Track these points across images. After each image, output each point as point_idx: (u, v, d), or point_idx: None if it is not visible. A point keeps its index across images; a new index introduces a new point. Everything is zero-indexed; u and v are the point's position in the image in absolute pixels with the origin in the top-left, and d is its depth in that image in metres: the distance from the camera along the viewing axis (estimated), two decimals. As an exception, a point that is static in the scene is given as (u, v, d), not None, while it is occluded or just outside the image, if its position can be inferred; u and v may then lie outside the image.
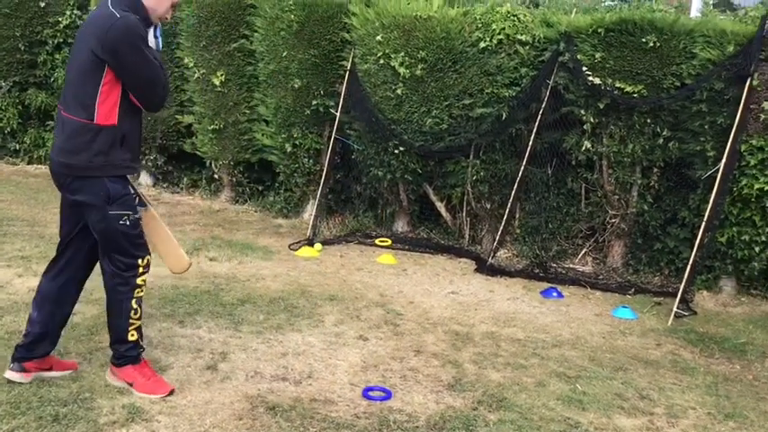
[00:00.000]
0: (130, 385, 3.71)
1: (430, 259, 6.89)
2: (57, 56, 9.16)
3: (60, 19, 9.09)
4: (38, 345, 3.73)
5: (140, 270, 3.66)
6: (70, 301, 3.81)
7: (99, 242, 3.62)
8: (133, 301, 3.66)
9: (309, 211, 7.74)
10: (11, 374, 3.70)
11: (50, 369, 3.80)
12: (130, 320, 3.68)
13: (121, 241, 3.58)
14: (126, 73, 3.43)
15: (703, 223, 5.78)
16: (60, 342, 4.15)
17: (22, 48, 9.14)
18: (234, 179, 8.32)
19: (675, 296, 5.79)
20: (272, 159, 7.88)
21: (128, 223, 3.57)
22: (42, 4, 9.02)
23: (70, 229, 3.73)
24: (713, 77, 5.82)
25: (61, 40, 9.15)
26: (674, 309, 5.66)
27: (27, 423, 3.35)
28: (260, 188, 8.35)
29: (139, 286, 3.68)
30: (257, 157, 8.05)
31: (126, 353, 3.73)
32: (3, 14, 8.90)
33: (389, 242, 7.17)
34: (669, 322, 5.57)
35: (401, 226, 7.57)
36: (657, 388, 4.37)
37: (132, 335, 3.71)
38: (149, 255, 3.74)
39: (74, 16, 9.09)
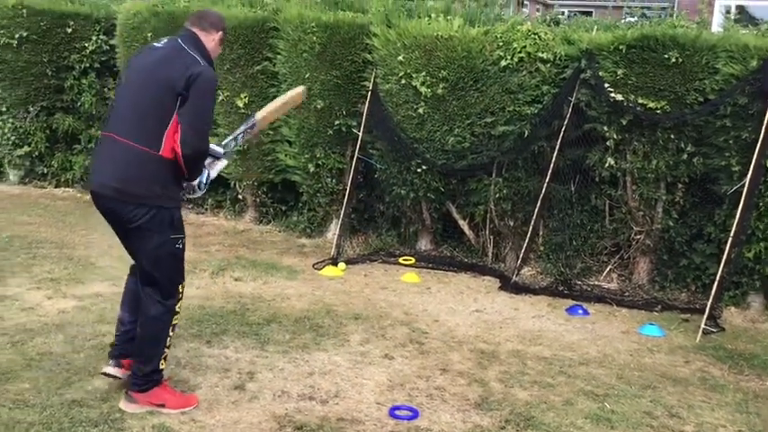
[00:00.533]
0: (161, 406, 3.74)
1: (454, 277, 6.88)
2: (83, 81, 9.29)
3: (87, 44, 9.23)
4: (132, 339, 3.87)
5: (180, 296, 3.80)
6: None
7: (148, 269, 3.71)
8: (170, 328, 3.77)
9: (333, 230, 7.78)
10: (109, 369, 3.88)
11: None
12: (165, 348, 3.77)
13: (173, 265, 3.74)
14: (190, 105, 3.57)
15: (730, 239, 5.73)
16: (90, 362, 4.23)
17: (50, 73, 9.29)
18: (258, 200, 8.38)
19: (703, 313, 5.73)
20: (295, 179, 7.93)
21: (180, 246, 3.76)
22: (69, 30, 9.18)
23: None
24: (737, 92, 5.80)
25: (88, 65, 9.28)
26: (702, 325, 5.61)
27: (59, 443, 3.39)
28: (283, 208, 8.40)
29: (177, 313, 3.80)
30: (280, 177, 8.11)
31: (153, 376, 3.78)
32: (31, 41, 9.06)
33: (413, 261, 7.18)
34: (697, 339, 5.52)
35: (424, 244, 7.58)
36: (687, 406, 4.33)
37: (163, 362, 3.79)
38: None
39: (100, 41, 9.22)
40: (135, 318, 3.86)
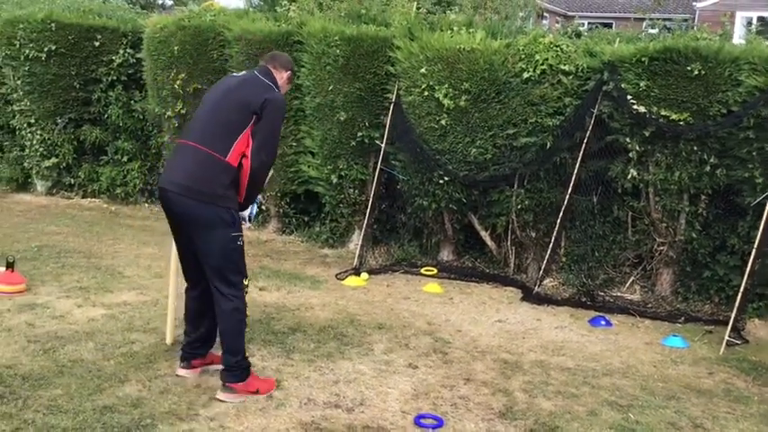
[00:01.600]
0: (255, 393, 4.07)
1: (476, 288, 6.91)
2: (110, 93, 9.43)
3: (114, 58, 9.37)
4: (199, 347, 4.36)
5: (246, 290, 4.14)
6: (211, 305, 4.19)
7: (215, 266, 4.03)
8: (246, 318, 4.12)
9: (355, 241, 7.84)
10: (182, 372, 4.31)
11: (212, 363, 4.36)
12: (244, 336, 4.12)
13: (236, 258, 4.06)
14: (264, 126, 4.05)
15: (753, 250, 5.72)
16: (121, 369, 4.31)
17: (77, 86, 9.45)
18: (281, 210, 8.47)
19: (726, 324, 5.72)
20: (317, 190, 8.01)
21: (241, 243, 4.10)
22: (97, 44, 9.34)
23: (189, 253, 4.19)
24: (760, 104, 5.80)
25: (114, 78, 9.42)
26: (726, 337, 5.60)
27: (92, 448, 3.46)
28: (306, 219, 8.48)
29: (246, 305, 4.13)
30: (303, 188, 8.19)
31: (243, 363, 4.10)
32: (59, 54, 9.23)
33: (435, 271, 7.22)
34: (721, 351, 5.51)
35: (446, 255, 7.62)
36: (711, 417, 4.33)
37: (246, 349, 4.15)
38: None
39: (127, 55, 9.37)
40: (197, 330, 4.33)
